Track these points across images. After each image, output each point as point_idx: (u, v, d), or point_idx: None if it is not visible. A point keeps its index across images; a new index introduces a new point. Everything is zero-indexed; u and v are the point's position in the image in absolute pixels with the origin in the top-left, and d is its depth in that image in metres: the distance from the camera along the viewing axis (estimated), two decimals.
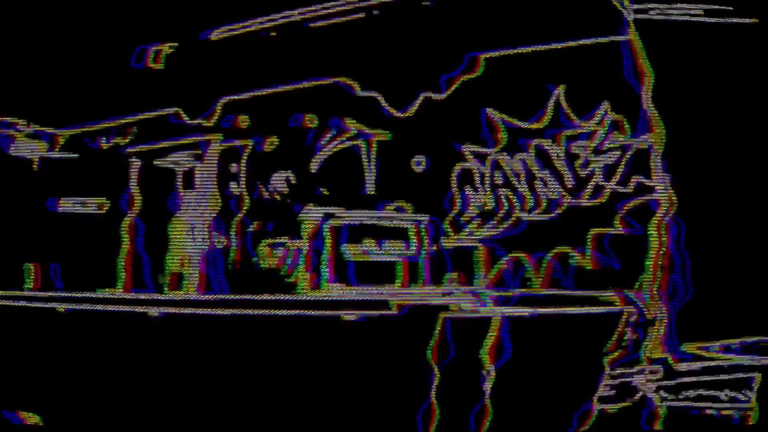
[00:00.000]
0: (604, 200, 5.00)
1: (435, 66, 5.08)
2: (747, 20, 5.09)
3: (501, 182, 5.03)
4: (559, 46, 5.07)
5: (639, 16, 5.10)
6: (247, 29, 5.15)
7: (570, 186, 5.02)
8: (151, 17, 5.14)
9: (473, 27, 5.11)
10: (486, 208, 5.01)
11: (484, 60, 5.08)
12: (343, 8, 5.13)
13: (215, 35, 5.15)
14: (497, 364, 4.90)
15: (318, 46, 5.11)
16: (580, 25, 5.10)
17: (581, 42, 5.08)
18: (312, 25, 5.12)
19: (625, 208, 4.99)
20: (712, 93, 5.04)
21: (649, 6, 5.12)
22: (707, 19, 5.09)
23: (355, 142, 5.05)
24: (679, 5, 5.12)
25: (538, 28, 5.09)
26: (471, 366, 4.90)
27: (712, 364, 4.94)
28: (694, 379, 4.93)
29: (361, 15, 5.11)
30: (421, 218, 4.98)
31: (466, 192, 5.01)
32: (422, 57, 5.09)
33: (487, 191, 5.01)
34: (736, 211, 4.99)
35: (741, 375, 4.93)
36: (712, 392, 4.91)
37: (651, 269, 4.93)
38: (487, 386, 4.88)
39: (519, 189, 5.02)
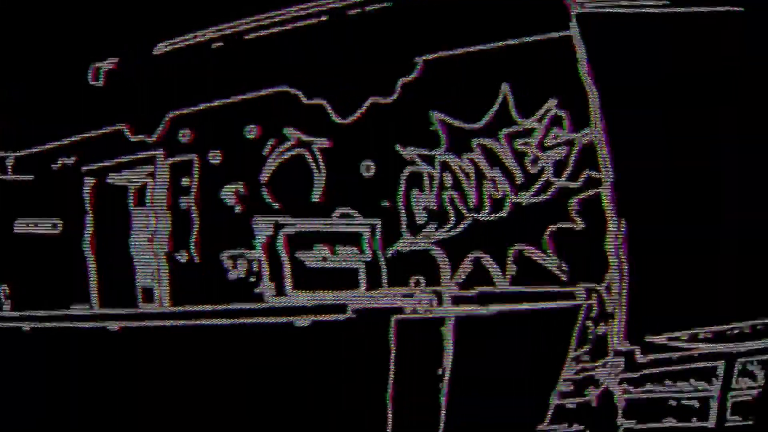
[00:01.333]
0: (555, 196, 5.01)
1: (382, 70, 5.09)
2: (699, 8, 5.08)
3: (450, 184, 5.04)
4: (505, 44, 5.07)
5: (584, 9, 5.09)
6: (193, 41, 5.16)
7: (520, 183, 5.03)
8: (96, 33, 5.16)
9: (419, 29, 5.11)
10: (437, 209, 5.02)
11: (430, 62, 5.08)
12: (289, 17, 5.13)
13: (160, 49, 5.17)
14: (455, 363, 4.92)
15: (263, 55, 5.12)
16: (528, 23, 5.09)
17: (529, 39, 5.08)
18: (256, 34, 5.13)
19: (577, 202, 4.99)
20: (658, 86, 5.03)
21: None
22: (655, 10, 5.08)
23: (301, 151, 5.06)
24: None
25: (484, 28, 5.09)
26: (428, 365, 4.93)
27: (677, 354, 4.95)
28: (658, 370, 4.95)
29: (307, 22, 5.12)
30: (372, 223, 5.00)
31: (416, 195, 5.02)
32: (369, 61, 5.09)
33: (436, 193, 5.02)
34: (690, 204, 4.98)
35: (706, 364, 4.94)
36: (676, 383, 4.93)
37: (609, 262, 4.94)
38: (445, 385, 4.91)
39: (468, 189, 5.03)
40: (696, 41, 5.06)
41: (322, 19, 5.13)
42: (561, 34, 5.09)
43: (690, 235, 4.94)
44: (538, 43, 5.08)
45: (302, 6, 5.12)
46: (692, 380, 4.91)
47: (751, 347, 4.91)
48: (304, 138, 5.08)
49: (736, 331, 4.93)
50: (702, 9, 5.07)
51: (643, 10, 5.07)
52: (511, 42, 5.07)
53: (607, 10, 5.10)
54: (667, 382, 4.92)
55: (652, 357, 4.92)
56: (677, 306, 4.93)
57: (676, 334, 4.93)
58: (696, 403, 4.92)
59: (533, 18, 5.11)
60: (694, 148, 4.98)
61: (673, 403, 4.93)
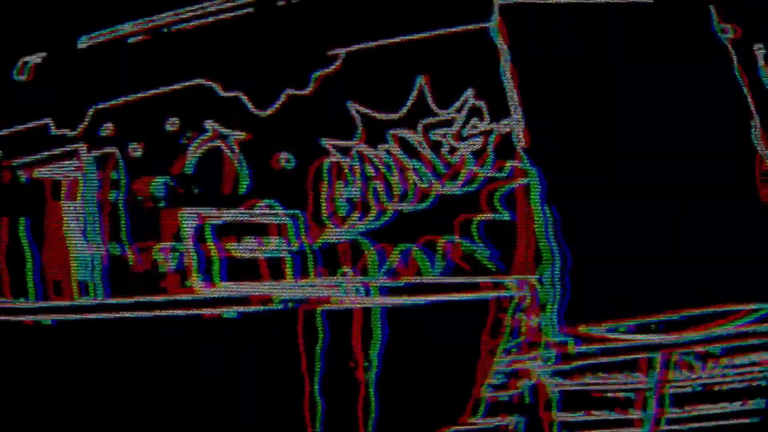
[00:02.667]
0: (477, 186, 4.98)
1: (299, 62, 5.02)
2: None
3: (372, 174, 5.01)
4: (424, 35, 4.97)
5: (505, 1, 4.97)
6: (114, 35, 5.12)
7: (440, 174, 5.00)
8: (20, 28, 5.13)
9: (339, 21, 5.02)
10: (359, 200, 5.02)
11: (348, 53, 5.01)
12: (210, 9, 5.06)
13: (84, 43, 5.14)
14: (383, 355, 5.01)
15: (181, 48, 5.07)
16: (449, 13, 4.98)
17: (448, 30, 4.97)
18: (175, 28, 5.07)
19: (499, 192, 4.96)
20: (580, 78, 4.92)
21: None
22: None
23: (221, 143, 5.06)
24: None
25: (403, 19, 4.99)
26: (354, 358, 5.02)
27: (608, 346, 4.96)
28: (588, 362, 4.97)
29: (227, 15, 5.05)
30: (294, 214, 5.02)
31: (336, 186, 5.02)
32: (286, 53, 5.02)
33: (356, 184, 5.01)
34: (621, 192, 4.93)
35: (636, 356, 4.95)
36: (606, 375, 4.96)
37: (540, 253, 4.93)
38: (373, 377, 5.01)
39: (390, 180, 5.01)
40: (616, 30, 4.93)
41: (242, 11, 5.06)
42: (483, 24, 4.98)
43: (621, 224, 4.91)
44: (459, 34, 4.98)
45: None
46: (627, 372, 4.94)
47: (688, 338, 4.92)
48: (223, 131, 5.06)
49: (672, 322, 4.93)
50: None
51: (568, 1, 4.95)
52: (431, 33, 4.98)
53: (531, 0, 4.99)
54: (601, 373, 4.95)
55: (586, 348, 4.94)
56: (611, 297, 4.92)
57: (611, 325, 4.94)
58: (633, 395, 4.96)
59: (455, 8, 5.00)
60: (616, 137, 4.91)
61: (609, 395, 4.97)
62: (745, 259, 4.88)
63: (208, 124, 5.06)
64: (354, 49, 5.00)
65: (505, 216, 4.95)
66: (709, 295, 4.86)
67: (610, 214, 4.89)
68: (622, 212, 4.90)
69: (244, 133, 5.04)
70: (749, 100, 4.93)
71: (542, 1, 4.98)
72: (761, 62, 4.97)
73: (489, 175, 4.97)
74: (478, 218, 4.95)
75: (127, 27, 5.12)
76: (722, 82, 4.94)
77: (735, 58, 4.94)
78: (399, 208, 5.00)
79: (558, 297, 4.89)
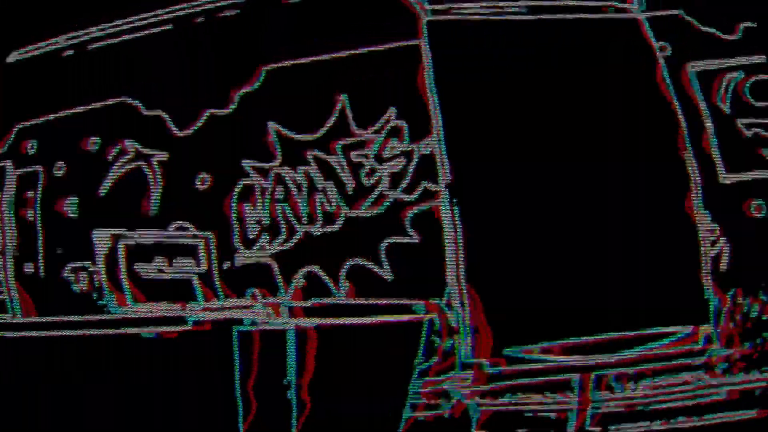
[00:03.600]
0: (389, 208, 4.87)
1: (220, 81, 5.01)
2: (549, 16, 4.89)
3: (282, 197, 4.94)
4: (348, 53, 4.95)
5: (433, 18, 4.93)
6: (41, 50, 5.16)
7: (354, 196, 4.91)
8: None
9: (258, 38, 5.03)
10: (271, 223, 4.94)
11: (268, 72, 4.99)
12: (130, 26, 5.09)
13: (12, 58, 5.19)
14: (304, 377, 4.85)
15: (104, 65, 5.09)
16: (372, 31, 4.96)
17: (372, 48, 4.95)
18: (98, 45, 5.10)
19: (409, 214, 4.86)
20: (506, 96, 4.85)
21: (442, 7, 4.95)
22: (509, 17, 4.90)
23: (139, 163, 5.02)
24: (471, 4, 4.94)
25: (327, 36, 4.97)
26: (276, 380, 4.87)
27: (532, 367, 4.79)
28: (512, 382, 4.80)
29: (148, 32, 5.08)
30: (207, 235, 4.94)
31: (250, 208, 4.94)
32: (207, 72, 5.02)
33: (269, 206, 4.93)
34: (541, 215, 4.81)
35: (562, 377, 4.78)
36: (530, 395, 4.78)
37: (454, 276, 4.79)
38: (295, 399, 4.85)
39: (301, 202, 4.92)
40: (545, 47, 4.89)
41: (163, 28, 5.08)
42: (408, 43, 4.95)
43: (542, 248, 4.77)
44: (383, 52, 4.95)
45: (145, 15, 5.07)
46: (548, 392, 4.76)
47: (607, 360, 4.74)
48: (143, 150, 5.04)
49: (592, 344, 4.76)
50: (552, 17, 4.89)
51: (496, 18, 4.90)
52: (354, 51, 4.96)
53: (459, 17, 4.94)
54: (521, 394, 4.77)
55: (505, 369, 4.77)
56: (530, 319, 4.76)
57: (530, 347, 4.77)
58: (553, 415, 4.77)
59: (379, 26, 4.98)
60: (540, 158, 4.80)
61: (530, 414, 4.78)
62: (666, 284, 4.74)
63: (129, 143, 5.03)
64: (274, 67, 4.98)
65: (415, 238, 4.83)
66: (629, 318, 4.72)
67: (529, 235, 4.76)
68: (543, 233, 4.77)
69: (165, 154, 5.00)
70: (679, 116, 4.85)
71: (469, 19, 4.93)
72: (693, 79, 4.91)
73: (401, 197, 4.87)
74: (388, 240, 4.84)
75: (56, 42, 5.14)
76: (653, 97, 4.87)
77: (668, 75, 4.89)
78: (307, 230, 4.89)
79: (470, 319, 4.73)
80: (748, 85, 4.91)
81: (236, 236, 4.94)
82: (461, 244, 4.76)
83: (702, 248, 4.74)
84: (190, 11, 5.09)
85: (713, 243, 4.76)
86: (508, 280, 4.75)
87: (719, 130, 4.87)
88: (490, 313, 4.74)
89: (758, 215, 4.80)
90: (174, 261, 4.95)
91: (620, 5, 4.94)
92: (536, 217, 4.79)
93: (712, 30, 4.95)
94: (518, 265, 4.75)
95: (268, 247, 4.91)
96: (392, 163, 4.89)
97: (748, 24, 4.94)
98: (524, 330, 4.73)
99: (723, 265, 4.75)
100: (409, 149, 4.88)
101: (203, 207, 4.96)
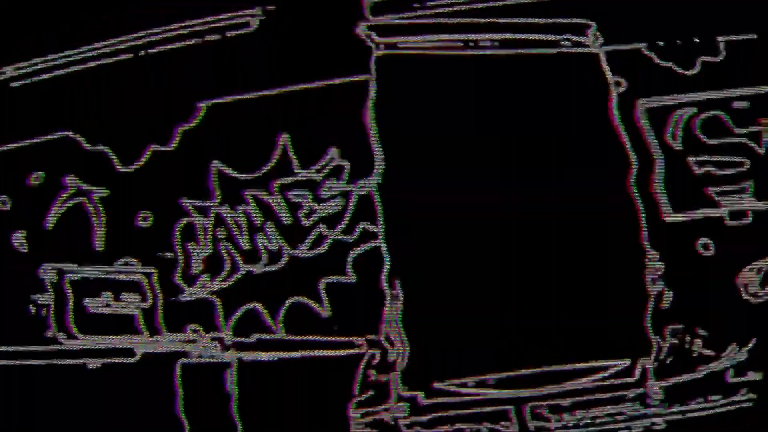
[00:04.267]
0: (329, 249, 4.96)
1: (164, 116, 5.04)
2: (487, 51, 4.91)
3: (224, 236, 5.01)
4: (292, 89, 4.97)
5: (381, 52, 4.95)
6: None
7: (294, 236, 4.99)
8: None
9: (204, 73, 5.05)
10: (213, 260, 5.02)
11: (210, 108, 5.02)
12: (74, 59, 5.10)
13: None
14: (247, 410, 4.99)
15: (47, 98, 5.11)
16: (321, 64, 4.98)
17: (319, 84, 4.97)
18: (45, 76, 5.11)
19: (352, 256, 4.95)
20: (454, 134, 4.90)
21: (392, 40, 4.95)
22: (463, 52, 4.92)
23: (82, 199, 5.08)
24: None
25: (272, 72, 4.99)
26: (219, 413, 5.01)
27: (467, 399, 4.93)
28: (448, 413, 4.93)
29: (90, 65, 5.08)
30: (150, 271, 5.03)
31: (191, 246, 5.02)
32: (151, 107, 5.04)
33: (209, 245, 5.01)
34: (470, 254, 4.90)
35: (499, 408, 4.91)
36: (468, 425, 4.92)
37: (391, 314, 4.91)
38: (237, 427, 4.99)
39: (241, 241, 5.00)
40: (496, 85, 4.90)
41: (105, 61, 5.08)
42: (355, 78, 4.97)
43: (470, 285, 4.88)
44: (328, 88, 4.97)
45: (84, 49, 5.07)
46: (485, 422, 4.91)
47: (537, 393, 4.88)
48: (84, 187, 5.08)
49: (528, 376, 4.89)
50: (505, 52, 4.90)
51: (447, 53, 4.91)
52: (298, 87, 4.98)
53: (410, 53, 4.95)
54: (457, 425, 4.92)
55: (438, 401, 4.91)
56: (462, 352, 4.89)
57: (463, 380, 4.91)
58: None
59: (326, 61, 4.99)
60: (480, 201, 4.88)
61: None
62: (606, 318, 4.85)
63: (70, 179, 5.08)
64: (216, 102, 5.00)
65: (354, 278, 4.93)
66: (566, 351, 4.86)
67: (467, 270, 4.86)
68: (485, 268, 4.87)
69: (106, 190, 5.05)
70: (629, 152, 4.90)
71: (420, 54, 4.93)
72: (644, 115, 4.94)
73: (339, 237, 4.95)
74: (327, 280, 4.93)
75: (3, 72, 5.14)
76: (604, 133, 4.91)
77: (620, 110, 4.92)
78: (249, 269, 4.98)
79: (407, 353, 4.86)
80: (700, 121, 4.94)
81: (179, 273, 5.02)
82: (398, 284, 4.88)
83: (646, 284, 4.85)
84: (135, 43, 5.10)
85: (656, 280, 4.86)
86: (442, 316, 4.86)
87: (669, 167, 4.91)
88: (425, 348, 4.88)
89: (705, 253, 4.88)
90: (120, 296, 5.04)
91: (577, 39, 4.93)
92: (477, 250, 4.88)
93: (671, 64, 4.96)
94: (453, 299, 4.86)
95: (210, 285, 5.01)
96: (330, 204, 4.96)
97: (708, 59, 4.95)
98: (457, 364, 4.87)
99: (665, 302, 4.85)
100: (347, 189, 4.95)
101: (146, 244, 5.03)
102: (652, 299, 4.84)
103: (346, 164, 4.95)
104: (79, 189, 5.07)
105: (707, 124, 4.94)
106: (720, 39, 4.96)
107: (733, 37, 4.96)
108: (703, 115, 4.94)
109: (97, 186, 5.06)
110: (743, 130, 4.93)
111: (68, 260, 5.08)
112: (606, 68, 4.94)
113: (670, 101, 4.95)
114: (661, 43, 4.95)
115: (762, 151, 4.93)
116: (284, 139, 4.97)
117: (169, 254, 5.02)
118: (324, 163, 4.96)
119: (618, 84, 4.93)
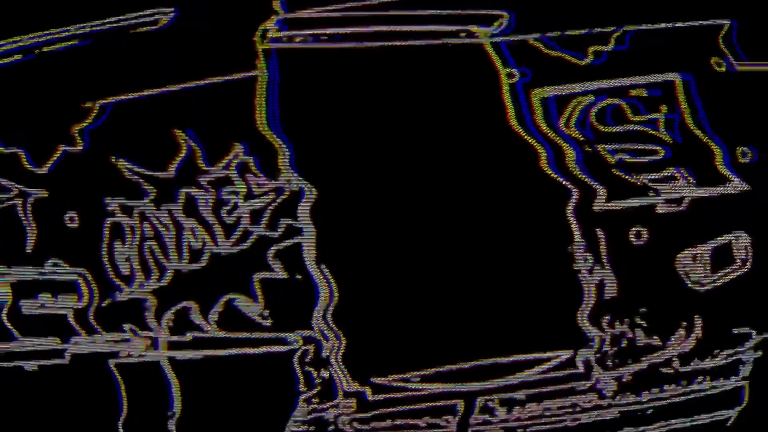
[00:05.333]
0: (254, 244, 4.82)
1: (69, 117, 4.86)
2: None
3: (151, 235, 4.89)
4: (193, 85, 4.77)
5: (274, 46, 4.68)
6: None
7: (218, 233, 4.84)
8: None
9: (106, 70, 4.87)
10: (142, 260, 4.92)
11: (115, 106, 4.82)
12: None
13: None
14: (183, 409, 5.01)
15: None
16: (218, 61, 4.77)
17: (218, 80, 4.75)
18: None
19: (273, 249, 4.81)
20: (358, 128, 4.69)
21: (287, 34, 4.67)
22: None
23: (12, 201, 4.97)
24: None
25: (170, 69, 4.79)
26: (155, 412, 5.03)
27: (408, 394, 4.88)
28: (390, 409, 4.90)
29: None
30: (82, 272, 4.96)
31: (118, 246, 4.92)
32: (54, 108, 4.85)
33: (136, 244, 4.90)
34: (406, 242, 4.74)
35: (442, 403, 4.87)
36: (409, 421, 4.90)
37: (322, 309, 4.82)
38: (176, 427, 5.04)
39: (168, 240, 4.88)
40: (388, 77, 4.64)
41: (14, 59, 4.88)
42: (249, 74, 4.73)
43: (412, 276, 4.75)
44: (225, 84, 4.76)
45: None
46: (427, 418, 4.88)
47: (485, 386, 4.82)
48: (22, 188, 4.97)
49: (471, 369, 4.82)
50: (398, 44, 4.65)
51: (339, 45, 4.65)
52: (198, 83, 4.76)
53: (301, 45, 4.70)
54: (400, 420, 4.89)
55: (384, 397, 4.87)
56: (407, 346, 4.82)
57: (407, 374, 4.85)
58: None
59: (223, 56, 4.77)
60: (393, 189, 4.70)
61: None
62: (544, 310, 4.72)
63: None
64: (120, 99, 4.81)
65: (281, 273, 4.80)
66: (508, 344, 4.76)
67: (395, 266, 4.73)
68: (409, 264, 4.74)
69: (42, 191, 4.94)
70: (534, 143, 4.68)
71: (321, 47, 4.68)
72: (540, 105, 4.72)
73: (263, 233, 4.80)
74: (256, 276, 4.82)
75: None
76: (499, 124, 4.71)
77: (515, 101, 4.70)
78: (176, 267, 4.88)
79: (344, 349, 4.79)
80: (596, 110, 4.72)
81: (110, 273, 4.95)
82: (328, 277, 4.76)
83: (579, 275, 4.68)
84: (37, 41, 4.89)
85: (591, 270, 4.68)
86: (378, 312, 4.77)
87: (580, 155, 4.69)
88: (363, 343, 4.80)
89: (638, 242, 4.67)
90: (55, 297, 5.00)
91: (475, 29, 4.66)
92: (400, 248, 4.75)
93: (563, 54, 4.72)
94: (386, 295, 4.76)
95: (141, 284, 4.93)
96: (253, 201, 4.79)
97: (600, 48, 4.71)
98: (399, 358, 4.80)
99: (603, 293, 4.69)
100: (268, 187, 4.77)
101: (75, 244, 4.94)
102: (588, 290, 4.66)
103: (252, 159, 4.75)
104: (18, 191, 4.96)
105: (605, 113, 4.70)
106: (612, 29, 4.72)
107: (627, 27, 4.73)
108: (599, 104, 4.70)
109: (24, 187, 4.95)
110: (642, 118, 4.70)
111: (2, 262, 5.03)
112: (496, 59, 4.68)
113: (566, 90, 4.71)
114: (553, 34, 4.70)
115: (675, 139, 4.69)
116: (189, 136, 4.78)
117: (98, 254, 4.93)
118: (230, 159, 4.77)
119: (510, 75, 4.67)
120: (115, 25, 4.84)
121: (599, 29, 4.71)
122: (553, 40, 4.71)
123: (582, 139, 4.70)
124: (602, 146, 4.68)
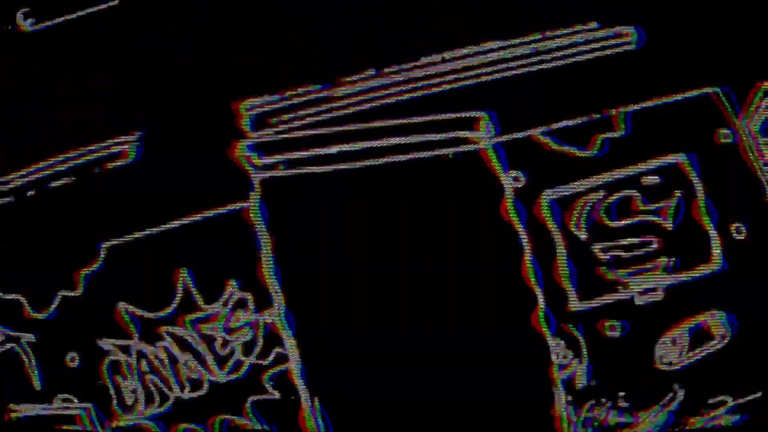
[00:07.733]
0: (248, 373, 5.11)
1: (67, 261, 5.11)
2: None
3: (148, 369, 5.18)
4: (185, 221, 4.99)
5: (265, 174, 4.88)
6: None
7: (214, 364, 5.13)
8: None
9: (96, 214, 5.08)
10: (145, 391, 5.21)
11: (112, 249, 5.07)
12: None
13: None
14: None
15: None
16: (205, 195, 4.98)
17: (208, 214, 4.97)
18: None
19: (267, 376, 5.11)
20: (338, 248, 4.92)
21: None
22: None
23: (12, 345, 5.25)
24: None
25: (159, 208, 5.00)
26: None
27: None
28: None
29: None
30: (88, 406, 5.26)
31: (118, 381, 5.21)
32: (54, 253, 5.11)
33: (135, 379, 5.19)
34: None
35: None
36: None
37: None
38: None
39: (167, 373, 5.17)
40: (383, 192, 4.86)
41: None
42: (242, 205, 4.94)
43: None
44: (219, 218, 4.97)
45: None
46: None
47: None
48: (11, 333, 5.24)
49: None
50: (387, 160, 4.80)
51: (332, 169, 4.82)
52: (189, 219, 4.99)
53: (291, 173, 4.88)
54: None
55: None
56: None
57: None
58: None
59: (211, 189, 4.97)
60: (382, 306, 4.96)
61: None
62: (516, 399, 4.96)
63: None
64: (114, 243, 5.05)
65: (276, 395, 5.10)
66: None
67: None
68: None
69: (32, 336, 5.20)
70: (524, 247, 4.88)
71: (302, 172, 4.86)
72: (547, 207, 4.82)
73: (255, 362, 5.08)
74: (252, 399, 5.11)
75: None
76: (496, 231, 4.87)
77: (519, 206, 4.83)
78: (178, 396, 5.17)
79: None
80: (605, 205, 4.80)
81: (116, 404, 5.24)
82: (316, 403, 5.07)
83: (553, 370, 4.92)
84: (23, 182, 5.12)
85: (566, 366, 4.92)
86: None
87: (574, 257, 4.83)
88: None
89: (613, 334, 4.88)
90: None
91: (463, 135, 4.76)
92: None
93: (568, 148, 4.76)
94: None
95: (145, 412, 5.23)
96: (241, 334, 5.08)
97: (606, 135, 4.74)
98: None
99: (578, 384, 4.93)
100: (252, 320, 5.04)
101: (79, 381, 5.23)
102: (563, 384, 4.92)
103: (248, 296, 5.01)
104: (8, 336, 5.22)
105: (613, 207, 4.80)
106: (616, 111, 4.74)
107: (631, 108, 4.72)
108: (609, 198, 4.79)
109: (21, 332, 5.21)
110: (653, 206, 4.78)
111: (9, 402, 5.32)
112: (497, 165, 4.79)
113: (575, 188, 4.77)
114: (555, 126, 4.73)
115: (670, 225, 4.82)
116: (183, 275, 5.03)
117: (103, 389, 5.21)
118: (227, 297, 5.04)
119: (516, 179, 4.79)
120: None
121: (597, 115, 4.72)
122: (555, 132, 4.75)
123: (582, 238, 4.81)
124: (598, 244, 4.80)
